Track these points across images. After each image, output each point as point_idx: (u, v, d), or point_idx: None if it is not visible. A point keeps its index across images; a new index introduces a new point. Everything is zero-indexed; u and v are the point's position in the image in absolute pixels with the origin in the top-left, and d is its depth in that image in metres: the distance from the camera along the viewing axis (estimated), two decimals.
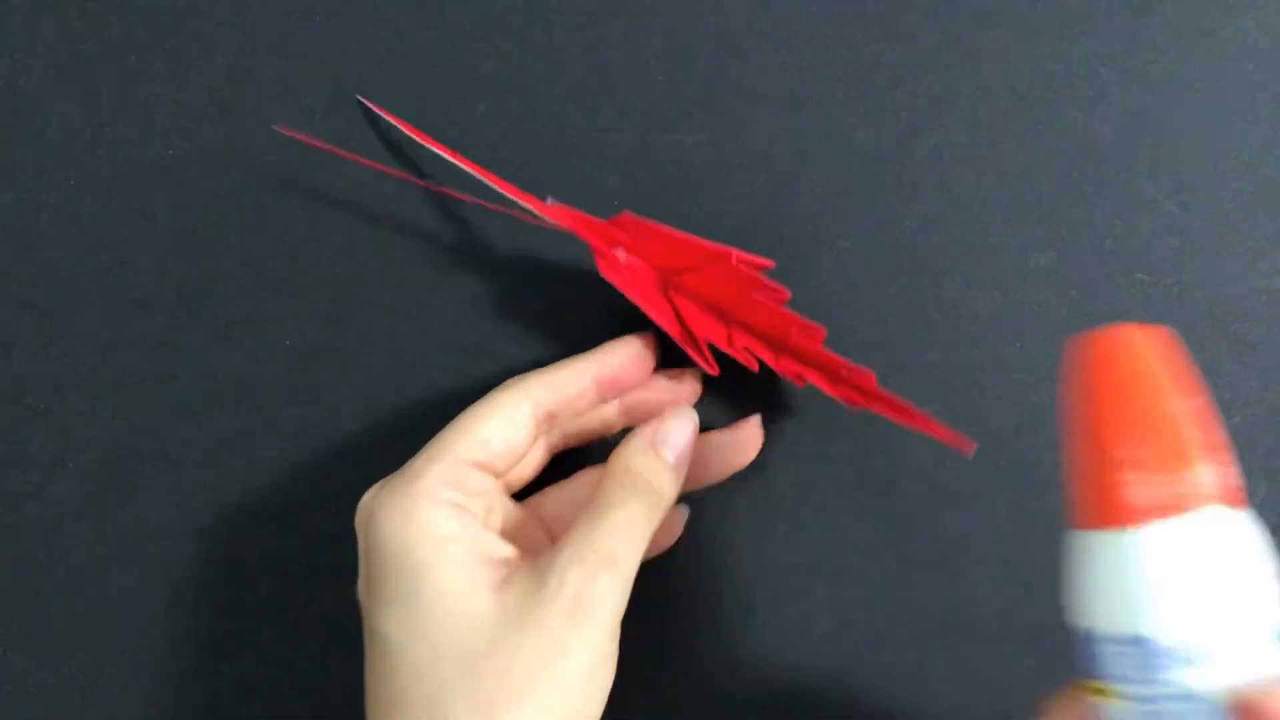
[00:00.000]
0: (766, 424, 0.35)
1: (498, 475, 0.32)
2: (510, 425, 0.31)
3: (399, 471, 0.30)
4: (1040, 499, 0.36)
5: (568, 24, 0.37)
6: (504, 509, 0.32)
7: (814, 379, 0.34)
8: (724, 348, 0.34)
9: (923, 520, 0.36)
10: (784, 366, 0.34)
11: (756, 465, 0.36)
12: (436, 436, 0.31)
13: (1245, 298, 0.36)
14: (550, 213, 0.34)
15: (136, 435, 0.37)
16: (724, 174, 0.37)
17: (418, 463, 0.30)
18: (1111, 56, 0.37)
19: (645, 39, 0.37)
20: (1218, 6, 0.37)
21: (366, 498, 0.31)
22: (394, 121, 0.36)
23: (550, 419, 0.32)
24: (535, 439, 0.32)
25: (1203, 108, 0.37)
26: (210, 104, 0.38)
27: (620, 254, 0.34)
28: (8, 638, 0.37)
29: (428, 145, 0.35)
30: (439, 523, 0.29)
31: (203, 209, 0.37)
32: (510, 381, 0.32)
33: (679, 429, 0.32)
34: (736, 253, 0.33)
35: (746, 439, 0.34)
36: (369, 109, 0.37)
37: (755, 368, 0.34)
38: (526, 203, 0.34)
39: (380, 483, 0.31)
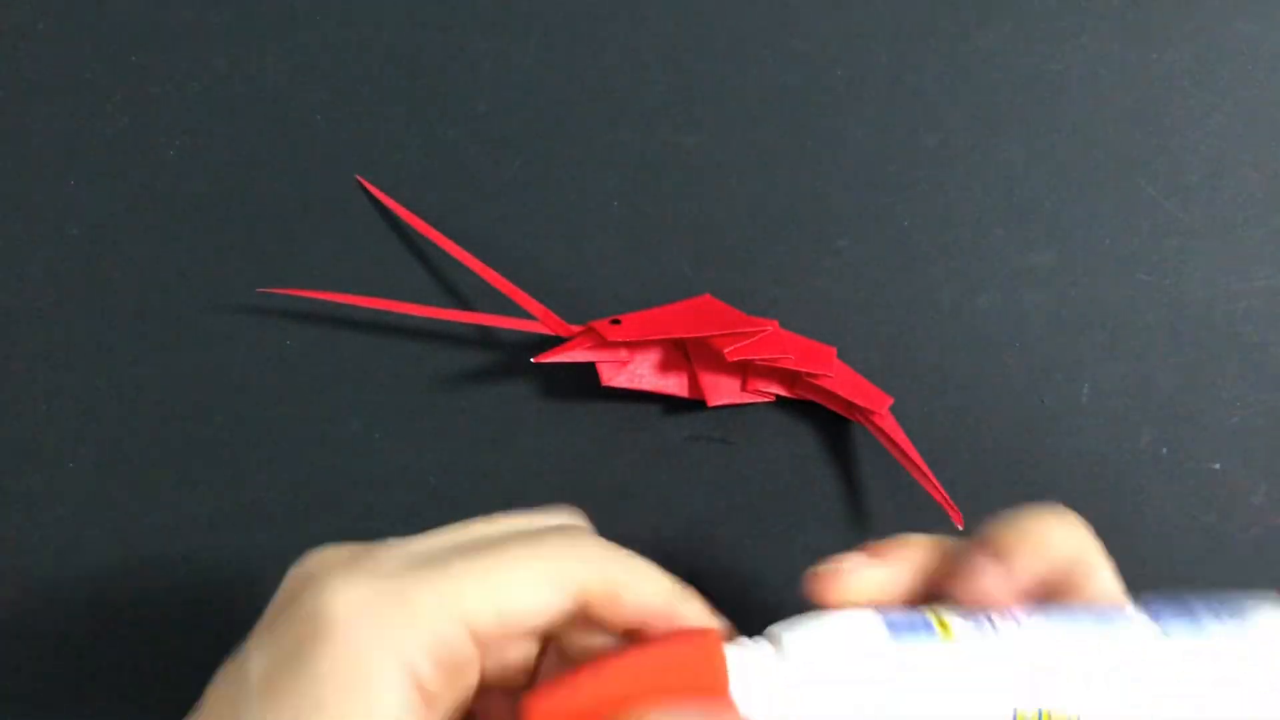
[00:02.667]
0: (766, 423, 0.35)
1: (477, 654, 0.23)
2: (543, 606, 0.23)
3: (380, 568, 0.22)
4: (1040, 499, 0.36)
5: (568, 24, 0.37)
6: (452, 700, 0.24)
7: (829, 405, 0.35)
8: (739, 399, 0.35)
9: (923, 520, 0.36)
10: (799, 394, 0.35)
11: (756, 464, 0.36)
12: (448, 559, 0.23)
13: (1245, 298, 0.36)
14: (551, 327, 0.35)
15: (137, 435, 0.37)
16: (724, 174, 0.37)
17: (415, 587, 0.22)
18: (1111, 56, 0.37)
19: (645, 39, 0.37)
20: (1218, 6, 0.37)
21: (319, 568, 0.23)
22: (397, 210, 0.37)
23: (575, 621, 0.24)
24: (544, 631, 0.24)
25: (1203, 108, 0.37)
26: (210, 104, 0.38)
27: (622, 355, 0.35)
28: (11, 633, 0.37)
29: (438, 243, 0.36)
30: (393, 699, 0.21)
31: (202, 209, 0.37)
32: (560, 536, 0.24)
33: None
34: (718, 333, 0.34)
35: None
36: (371, 192, 0.37)
37: (772, 399, 0.35)
38: (528, 308, 0.35)
39: (348, 559, 0.23)
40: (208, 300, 0.37)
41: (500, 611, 0.22)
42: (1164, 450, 0.36)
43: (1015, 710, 0.24)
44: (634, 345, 0.35)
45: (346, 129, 0.37)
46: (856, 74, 0.37)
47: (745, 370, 0.35)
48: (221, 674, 0.23)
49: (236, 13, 0.38)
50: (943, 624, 0.24)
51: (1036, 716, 0.24)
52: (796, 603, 0.35)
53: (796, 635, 0.25)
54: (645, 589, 0.24)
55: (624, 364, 0.35)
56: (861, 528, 0.36)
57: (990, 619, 0.25)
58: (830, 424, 0.36)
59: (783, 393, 0.35)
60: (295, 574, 0.23)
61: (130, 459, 0.37)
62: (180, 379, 0.37)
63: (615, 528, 0.36)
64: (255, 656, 0.22)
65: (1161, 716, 0.24)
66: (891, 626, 0.24)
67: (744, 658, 0.24)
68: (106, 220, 0.37)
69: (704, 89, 0.37)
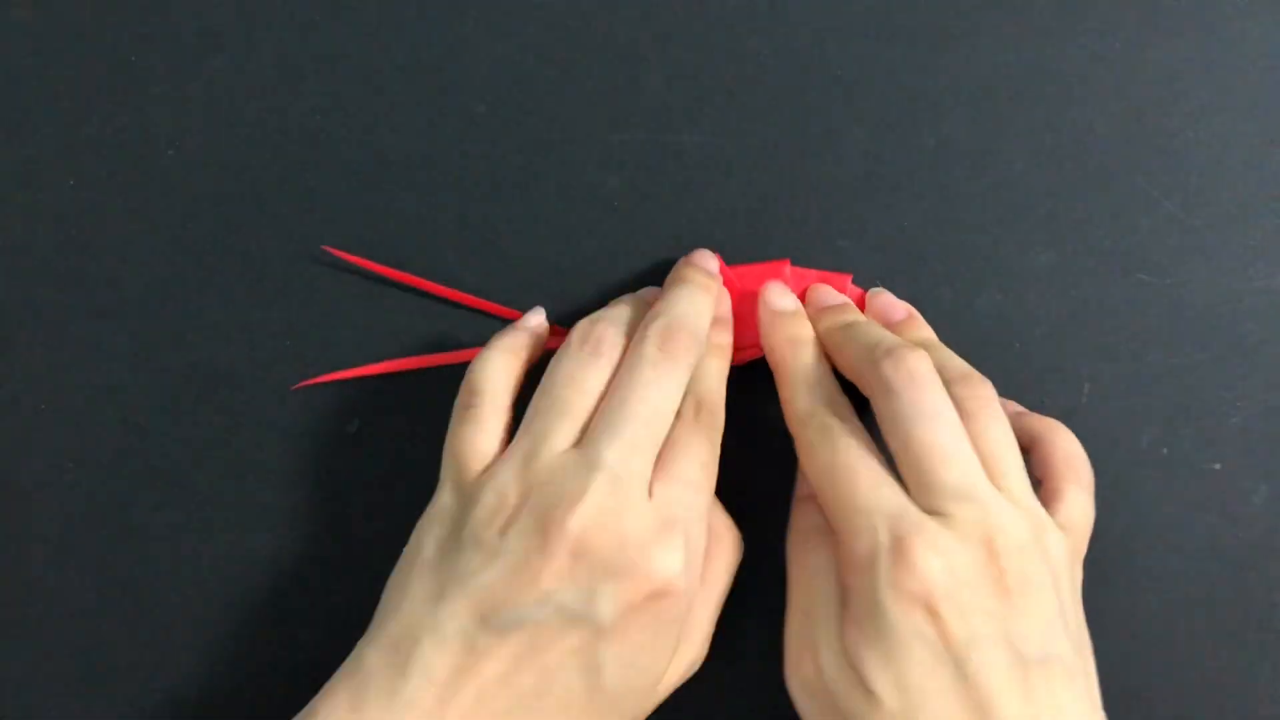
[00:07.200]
0: (768, 425, 0.35)
1: None
2: None
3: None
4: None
5: (568, 24, 0.37)
6: None
7: None
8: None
9: None
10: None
11: (758, 463, 0.36)
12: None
13: (1245, 298, 0.36)
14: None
15: (136, 435, 0.37)
16: (724, 174, 0.37)
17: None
18: (1111, 56, 0.37)
19: (646, 39, 0.37)
20: (1218, 6, 0.37)
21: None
22: (365, 265, 0.36)
23: None
24: None
25: (1203, 108, 0.37)
26: (210, 104, 0.38)
27: None
28: (10, 635, 0.37)
29: (404, 281, 0.36)
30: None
31: (202, 209, 0.37)
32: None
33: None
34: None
35: None
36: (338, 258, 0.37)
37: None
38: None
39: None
40: (207, 300, 0.37)
41: None
42: (1164, 450, 0.36)
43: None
44: None
45: (346, 129, 0.37)
46: (856, 74, 0.37)
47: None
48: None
49: (236, 13, 0.38)
50: None
51: None
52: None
53: None
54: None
55: None
56: None
57: None
58: None
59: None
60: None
61: (129, 459, 0.37)
62: (179, 379, 0.37)
63: None
64: None
65: None
66: None
67: None
68: (106, 220, 0.37)
69: (704, 89, 0.37)
